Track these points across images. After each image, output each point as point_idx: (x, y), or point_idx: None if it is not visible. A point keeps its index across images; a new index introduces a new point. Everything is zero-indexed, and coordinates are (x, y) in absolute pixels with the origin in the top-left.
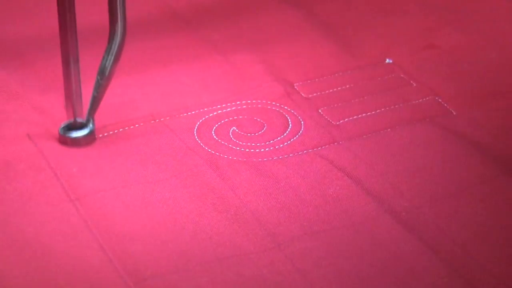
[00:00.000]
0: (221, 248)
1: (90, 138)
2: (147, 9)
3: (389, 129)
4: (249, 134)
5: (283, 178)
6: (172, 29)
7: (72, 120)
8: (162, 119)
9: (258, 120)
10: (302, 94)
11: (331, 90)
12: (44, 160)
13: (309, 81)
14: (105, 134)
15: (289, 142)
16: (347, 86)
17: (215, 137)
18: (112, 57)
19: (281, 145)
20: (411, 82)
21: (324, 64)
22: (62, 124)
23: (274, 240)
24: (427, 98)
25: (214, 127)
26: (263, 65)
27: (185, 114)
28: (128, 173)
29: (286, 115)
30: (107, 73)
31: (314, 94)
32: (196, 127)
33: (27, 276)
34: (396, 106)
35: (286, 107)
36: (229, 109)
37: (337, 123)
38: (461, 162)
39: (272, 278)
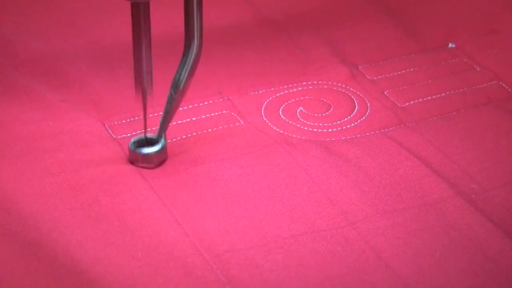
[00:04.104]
0: (295, 225)
1: (162, 155)
2: None
3: (454, 113)
4: (316, 115)
5: (353, 158)
6: (236, 10)
7: (142, 136)
8: (230, 97)
9: (325, 101)
10: (367, 77)
11: (395, 73)
12: (117, 142)
13: (373, 64)
14: None
15: (356, 123)
16: (411, 69)
17: (282, 116)
18: (187, 71)
19: (348, 126)
20: (475, 66)
21: (387, 47)
22: (132, 140)
23: (346, 219)
24: (491, 82)
25: (281, 107)
26: (328, 47)
27: (252, 93)
28: (198, 151)
29: (352, 97)
30: (181, 87)
31: (379, 77)
32: (263, 106)
33: (105, 248)
34: (461, 90)
35: (352, 89)
36: (295, 90)
37: (403, 105)
38: None
39: (346, 255)
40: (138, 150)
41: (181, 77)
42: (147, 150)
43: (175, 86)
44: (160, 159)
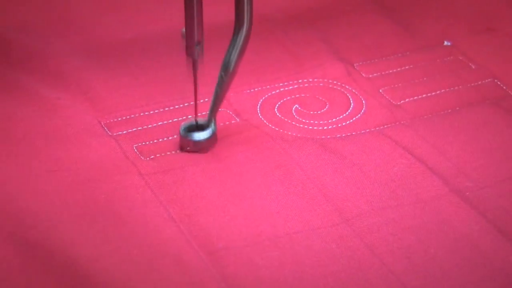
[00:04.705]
0: (290, 223)
1: (212, 140)
2: None
3: (449, 110)
4: (311, 112)
5: (348, 155)
6: (232, 7)
7: (193, 121)
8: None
9: (320, 98)
10: (363, 74)
11: (391, 71)
12: (113, 139)
13: (369, 62)
14: (171, 108)
15: (351, 120)
16: (407, 67)
17: (278, 114)
18: (237, 52)
19: (344, 123)
20: (470, 64)
21: (383, 45)
22: (183, 125)
23: (341, 216)
24: (486, 80)
25: (277, 105)
26: (324, 44)
27: (248, 91)
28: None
29: (348, 94)
30: (231, 69)
31: (375, 74)
32: (259, 104)
33: (101, 245)
34: (456, 88)
35: (347, 87)
36: (291, 87)
37: (398, 103)
38: None
39: (341, 252)
40: (189, 136)
41: (231, 59)
42: (198, 136)
43: (225, 68)
44: (211, 144)
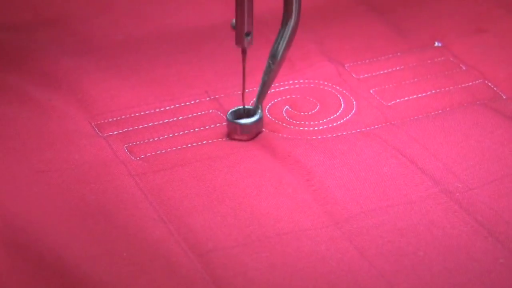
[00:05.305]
0: (280, 224)
1: (260, 125)
2: None
3: (440, 111)
4: (302, 113)
5: (338, 155)
6: (224, 9)
7: (240, 107)
8: (216, 96)
9: (311, 99)
10: (353, 75)
11: (381, 72)
12: (103, 140)
13: (360, 62)
14: (162, 109)
15: (342, 121)
16: (397, 68)
17: (268, 115)
18: (285, 42)
19: (334, 124)
20: (461, 65)
21: (374, 45)
22: (230, 111)
23: (331, 218)
24: (477, 81)
25: (268, 106)
26: (315, 45)
27: (239, 92)
28: (184, 150)
29: (339, 95)
30: (279, 58)
31: (365, 75)
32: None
33: (91, 246)
34: (446, 89)
35: (338, 87)
36: (282, 88)
37: (389, 104)
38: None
39: (330, 254)
40: (236, 121)
41: (279, 48)
42: (246, 120)
43: (273, 56)
44: (257, 130)
